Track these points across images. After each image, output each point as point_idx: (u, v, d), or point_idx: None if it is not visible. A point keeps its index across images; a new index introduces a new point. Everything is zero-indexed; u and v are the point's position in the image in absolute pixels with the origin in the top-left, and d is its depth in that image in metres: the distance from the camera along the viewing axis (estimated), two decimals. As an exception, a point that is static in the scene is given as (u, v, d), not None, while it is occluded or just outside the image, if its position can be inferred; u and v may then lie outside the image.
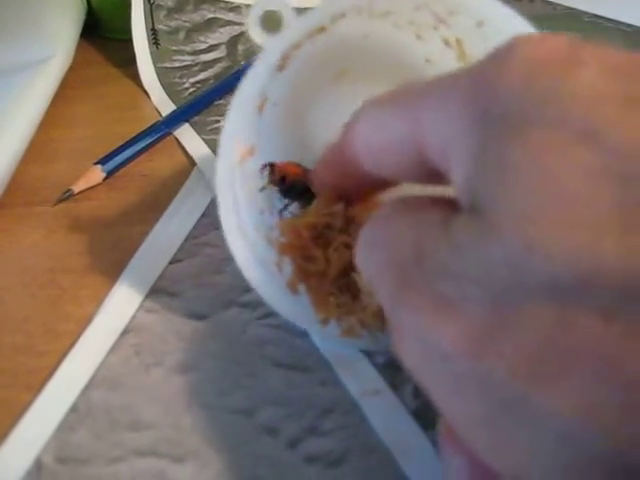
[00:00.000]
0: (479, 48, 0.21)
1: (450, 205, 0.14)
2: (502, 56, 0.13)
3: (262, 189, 0.22)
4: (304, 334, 0.22)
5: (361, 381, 0.20)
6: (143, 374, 0.21)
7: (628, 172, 0.11)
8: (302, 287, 0.20)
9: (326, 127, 0.24)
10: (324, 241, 0.20)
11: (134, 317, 0.23)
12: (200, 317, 0.22)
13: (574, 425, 0.10)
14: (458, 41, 0.22)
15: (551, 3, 0.62)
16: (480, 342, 0.11)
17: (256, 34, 0.22)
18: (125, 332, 0.22)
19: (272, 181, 0.21)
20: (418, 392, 0.20)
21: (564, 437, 0.11)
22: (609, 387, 0.10)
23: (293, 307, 0.20)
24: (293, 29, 0.20)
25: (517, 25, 0.19)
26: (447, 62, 0.23)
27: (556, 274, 0.11)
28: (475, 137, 0.13)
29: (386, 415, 0.19)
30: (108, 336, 0.22)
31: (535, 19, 0.51)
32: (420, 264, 0.13)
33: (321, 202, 0.20)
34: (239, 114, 0.19)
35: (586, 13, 0.58)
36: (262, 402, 0.20)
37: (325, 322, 0.20)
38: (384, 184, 0.18)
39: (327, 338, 0.21)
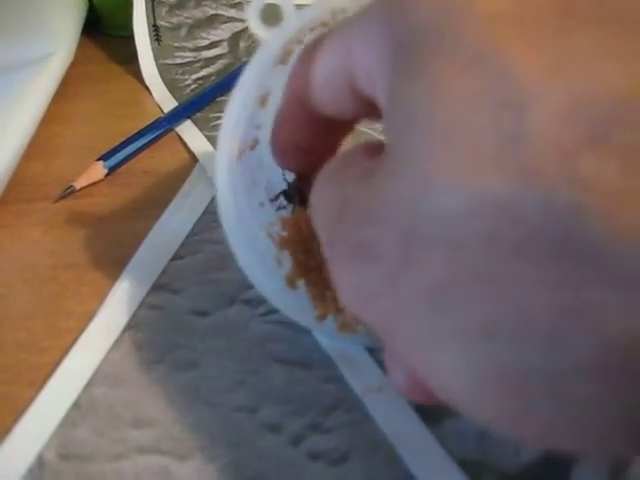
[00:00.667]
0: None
1: (380, 149, 0.13)
2: None
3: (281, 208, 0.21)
4: (307, 331, 0.21)
5: (364, 378, 0.20)
6: (145, 370, 0.21)
7: (506, 99, 0.10)
8: (301, 283, 0.20)
9: None
10: None
11: (136, 313, 0.23)
12: (203, 314, 0.22)
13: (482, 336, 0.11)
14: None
15: None
16: (390, 283, 0.12)
17: (256, 27, 0.22)
18: (127, 328, 0.22)
19: (299, 202, 0.21)
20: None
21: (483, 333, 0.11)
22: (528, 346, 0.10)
23: (293, 303, 0.20)
24: (294, 23, 0.20)
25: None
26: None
27: (449, 207, 0.11)
28: (390, 70, 0.13)
29: (390, 411, 0.19)
30: (110, 332, 0.22)
31: None
32: (344, 217, 0.13)
33: None
34: (239, 107, 0.19)
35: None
36: (265, 399, 0.20)
37: (322, 317, 0.20)
38: (341, 129, 0.17)
39: (325, 333, 0.21)
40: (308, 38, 0.21)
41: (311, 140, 0.18)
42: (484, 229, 0.10)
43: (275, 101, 0.23)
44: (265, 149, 0.22)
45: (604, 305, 0.10)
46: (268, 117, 0.22)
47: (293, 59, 0.21)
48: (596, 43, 0.11)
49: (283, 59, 0.21)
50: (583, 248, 0.10)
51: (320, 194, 0.15)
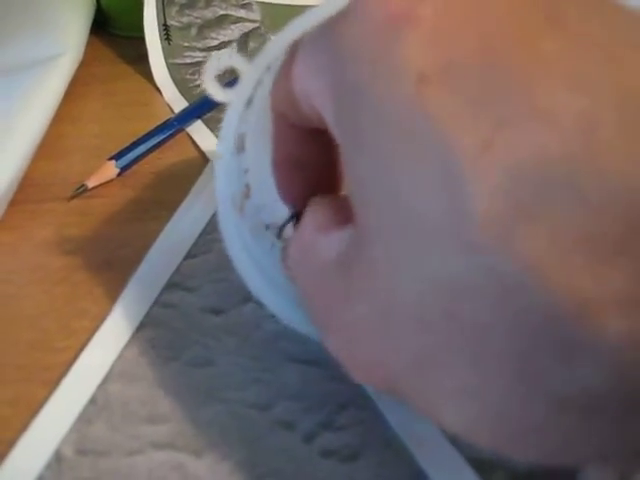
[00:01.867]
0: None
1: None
2: (350, 13, 0.13)
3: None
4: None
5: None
6: (160, 368, 0.21)
7: (445, 178, 0.11)
8: None
9: None
10: None
11: (150, 312, 0.23)
12: (216, 312, 0.23)
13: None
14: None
15: None
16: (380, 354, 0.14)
17: (212, 89, 0.22)
18: (141, 326, 0.22)
19: None
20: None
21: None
22: None
23: (292, 312, 0.20)
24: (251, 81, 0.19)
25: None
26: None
27: (413, 289, 0.12)
28: (332, 104, 0.13)
29: (401, 410, 0.19)
30: (124, 330, 0.22)
31: None
32: (331, 299, 0.15)
33: None
34: (229, 157, 0.19)
35: None
36: (278, 397, 0.20)
37: None
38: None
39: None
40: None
41: (305, 152, 0.18)
42: (443, 308, 0.11)
43: (252, 143, 0.22)
44: (257, 190, 0.22)
45: (551, 373, 0.11)
46: (250, 159, 0.22)
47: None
48: (527, 103, 0.11)
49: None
50: (531, 318, 0.10)
51: (299, 270, 0.16)
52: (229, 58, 0.22)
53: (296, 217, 0.20)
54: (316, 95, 0.14)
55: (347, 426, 0.19)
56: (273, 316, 0.20)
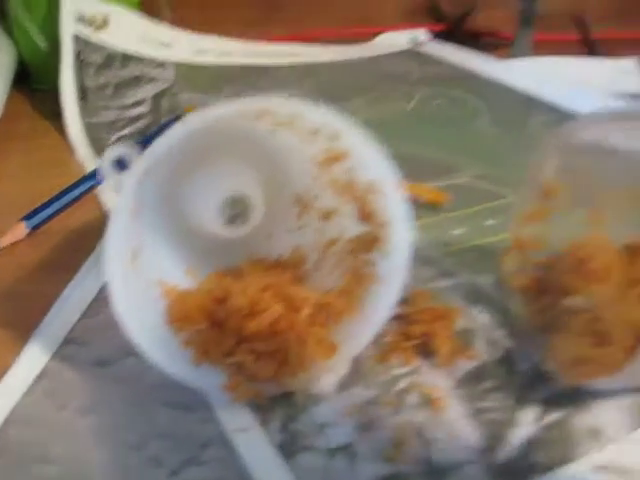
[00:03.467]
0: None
1: None
2: None
3: None
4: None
5: (235, 419, 0.24)
6: (53, 414, 0.25)
7: None
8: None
9: (200, 207, 0.28)
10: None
11: (48, 364, 0.27)
12: (105, 364, 0.26)
13: None
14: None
15: (454, 65, 0.68)
16: None
17: (108, 178, 0.25)
18: (40, 376, 0.26)
19: None
20: (283, 427, 0.24)
21: None
22: None
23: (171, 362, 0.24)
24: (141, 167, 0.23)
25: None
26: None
27: None
28: None
29: (254, 449, 0.24)
30: (24, 380, 0.26)
31: (437, 79, 0.60)
32: None
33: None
34: (121, 220, 0.23)
35: (483, 76, 0.65)
36: (150, 437, 0.24)
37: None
38: None
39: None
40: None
41: None
42: None
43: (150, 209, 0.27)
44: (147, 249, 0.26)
45: None
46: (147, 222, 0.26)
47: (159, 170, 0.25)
48: None
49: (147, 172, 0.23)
50: None
51: None
52: (122, 149, 0.26)
53: None
54: None
55: (208, 462, 0.23)
56: (152, 367, 0.24)
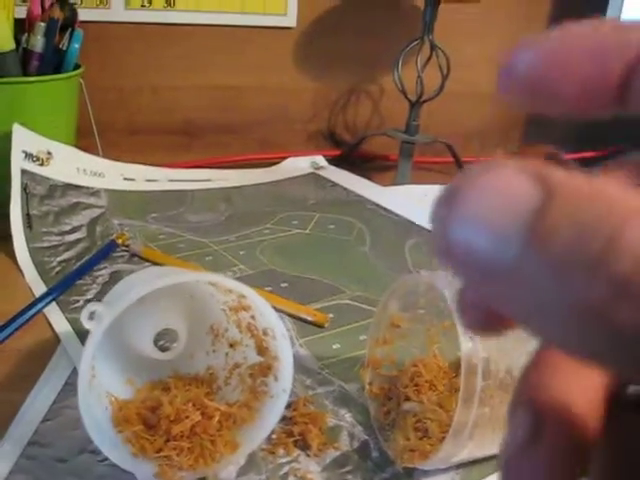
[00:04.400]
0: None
1: None
2: None
3: None
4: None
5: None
6: (23, 502, 0.33)
7: None
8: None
9: (138, 337, 0.38)
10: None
11: (17, 462, 0.35)
12: (63, 461, 0.35)
13: None
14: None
15: (346, 189, 0.81)
16: None
17: (86, 324, 0.34)
18: (11, 473, 0.34)
19: None
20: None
21: None
22: None
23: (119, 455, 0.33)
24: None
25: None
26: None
27: None
28: None
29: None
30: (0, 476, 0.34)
31: (332, 203, 0.76)
32: None
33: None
34: (90, 354, 0.32)
35: (369, 201, 0.78)
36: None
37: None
38: None
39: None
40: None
41: None
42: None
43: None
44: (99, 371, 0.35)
45: None
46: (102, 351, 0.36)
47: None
48: None
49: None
50: None
51: None
52: (93, 306, 0.35)
53: None
54: None
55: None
56: (103, 460, 0.32)
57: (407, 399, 0.38)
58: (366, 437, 0.38)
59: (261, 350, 0.36)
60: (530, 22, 0.96)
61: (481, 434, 0.33)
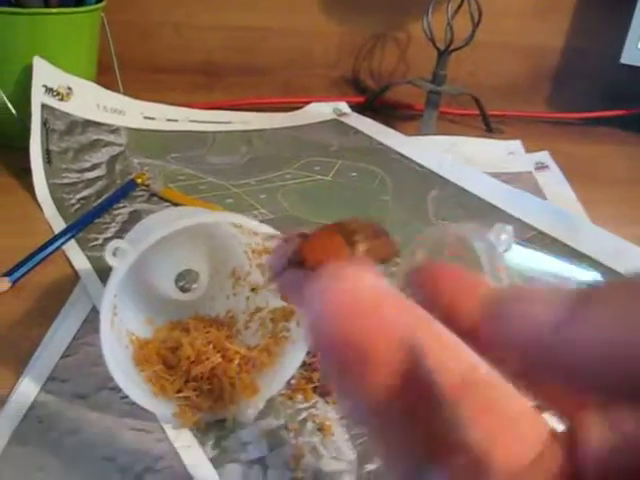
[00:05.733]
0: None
1: None
2: None
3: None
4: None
5: (181, 438, 0.33)
6: (44, 436, 0.33)
7: None
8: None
9: (159, 277, 0.37)
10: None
11: (37, 397, 0.35)
12: (83, 397, 0.35)
13: None
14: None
15: (369, 137, 0.79)
16: None
17: (110, 260, 0.33)
18: (32, 407, 0.34)
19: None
20: (216, 445, 0.33)
21: None
22: None
23: (138, 392, 0.33)
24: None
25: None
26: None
27: None
28: None
29: (195, 461, 0.33)
30: (19, 410, 0.34)
31: (354, 150, 0.75)
32: None
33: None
34: (112, 291, 0.32)
35: (392, 150, 0.76)
36: (120, 452, 0.32)
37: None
38: None
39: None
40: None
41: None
42: None
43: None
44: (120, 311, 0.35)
45: None
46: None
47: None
48: None
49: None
50: None
51: None
52: (117, 243, 0.34)
53: None
54: None
55: (162, 470, 0.32)
56: (123, 397, 0.32)
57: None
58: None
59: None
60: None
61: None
